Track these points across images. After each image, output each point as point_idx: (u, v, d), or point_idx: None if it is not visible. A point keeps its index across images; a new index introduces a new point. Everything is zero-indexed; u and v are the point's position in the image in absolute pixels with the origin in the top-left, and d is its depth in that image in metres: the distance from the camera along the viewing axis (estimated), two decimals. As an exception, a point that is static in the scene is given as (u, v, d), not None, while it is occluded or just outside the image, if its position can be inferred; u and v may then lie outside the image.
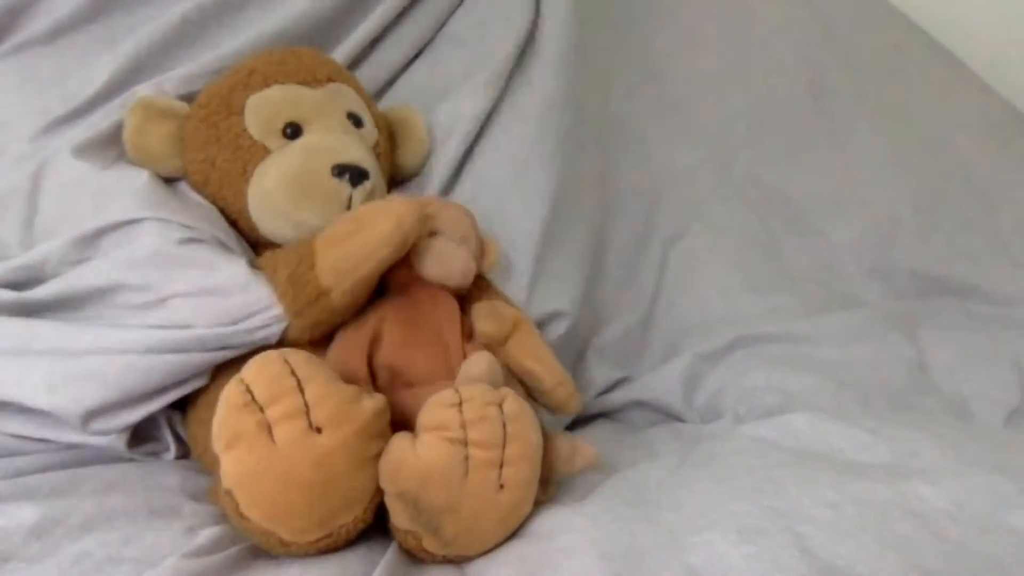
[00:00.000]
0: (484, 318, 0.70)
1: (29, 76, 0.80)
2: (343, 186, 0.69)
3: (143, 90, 0.77)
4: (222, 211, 0.74)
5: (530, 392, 0.71)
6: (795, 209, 1.05)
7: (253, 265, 0.69)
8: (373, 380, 0.64)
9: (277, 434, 0.52)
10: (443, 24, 0.96)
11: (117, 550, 0.53)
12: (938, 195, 1.04)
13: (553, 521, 0.57)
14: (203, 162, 0.73)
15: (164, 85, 0.78)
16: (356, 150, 0.72)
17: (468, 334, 0.70)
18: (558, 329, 0.85)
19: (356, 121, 0.77)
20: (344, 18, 0.89)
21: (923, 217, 1.03)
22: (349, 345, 0.65)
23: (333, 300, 0.64)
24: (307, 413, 0.53)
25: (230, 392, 0.54)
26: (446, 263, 0.68)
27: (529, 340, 0.71)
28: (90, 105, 0.78)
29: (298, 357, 0.55)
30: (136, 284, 0.66)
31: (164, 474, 0.65)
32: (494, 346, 0.69)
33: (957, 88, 1.12)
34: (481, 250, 0.73)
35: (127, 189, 0.71)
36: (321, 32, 0.87)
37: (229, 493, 0.53)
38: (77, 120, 0.77)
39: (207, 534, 0.55)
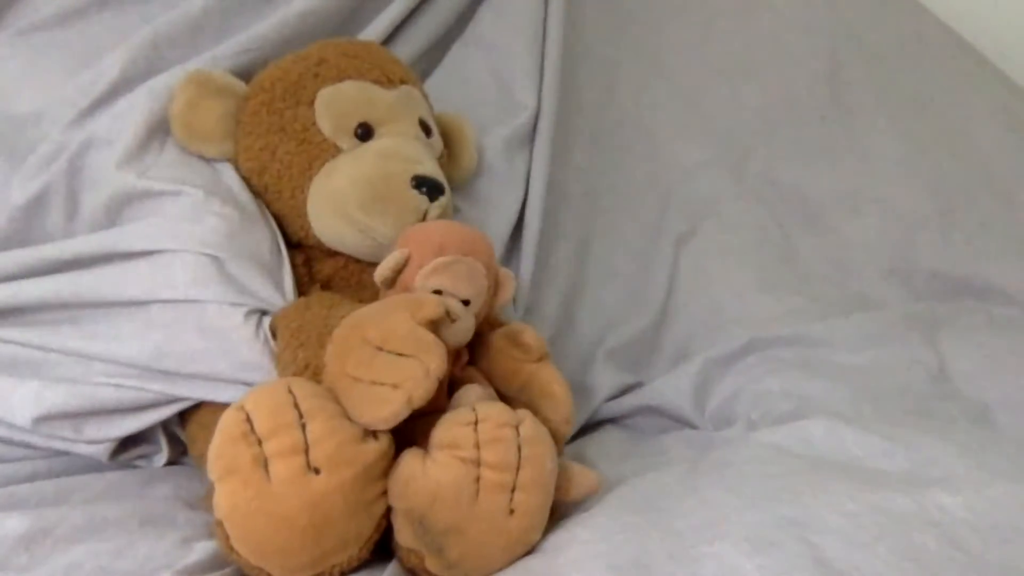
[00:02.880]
0: (527, 332, 0.67)
1: (42, 65, 0.78)
2: (422, 199, 0.67)
3: (164, 79, 0.74)
4: (270, 204, 0.72)
5: None
6: (811, 207, 1.04)
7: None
8: None
9: (273, 471, 0.50)
10: (468, 19, 0.96)
11: (108, 562, 0.53)
12: (959, 193, 1.03)
13: (559, 534, 0.56)
14: (262, 150, 0.70)
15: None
16: (430, 161, 0.70)
17: (462, 362, 0.67)
18: None
19: (427, 130, 0.75)
20: (362, 6, 0.87)
21: (943, 216, 1.02)
22: None
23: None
24: (306, 451, 0.51)
25: (229, 419, 0.52)
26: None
27: (554, 368, 0.68)
28: (109, 97, 0.74)
29: (304, 389, 0.53)
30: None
31: (157, 482, 0.65)
32: (523, 363, 0.67)
33: (977, 81, 1.11)
34: (496, 286, 0.68)
35: (162, 215, 0.69)
36: (343, 19, 0.85)
37: (220, 524, 0.52)
38: (97, 113, 0.74)
39: (202, 548, 0.55)
